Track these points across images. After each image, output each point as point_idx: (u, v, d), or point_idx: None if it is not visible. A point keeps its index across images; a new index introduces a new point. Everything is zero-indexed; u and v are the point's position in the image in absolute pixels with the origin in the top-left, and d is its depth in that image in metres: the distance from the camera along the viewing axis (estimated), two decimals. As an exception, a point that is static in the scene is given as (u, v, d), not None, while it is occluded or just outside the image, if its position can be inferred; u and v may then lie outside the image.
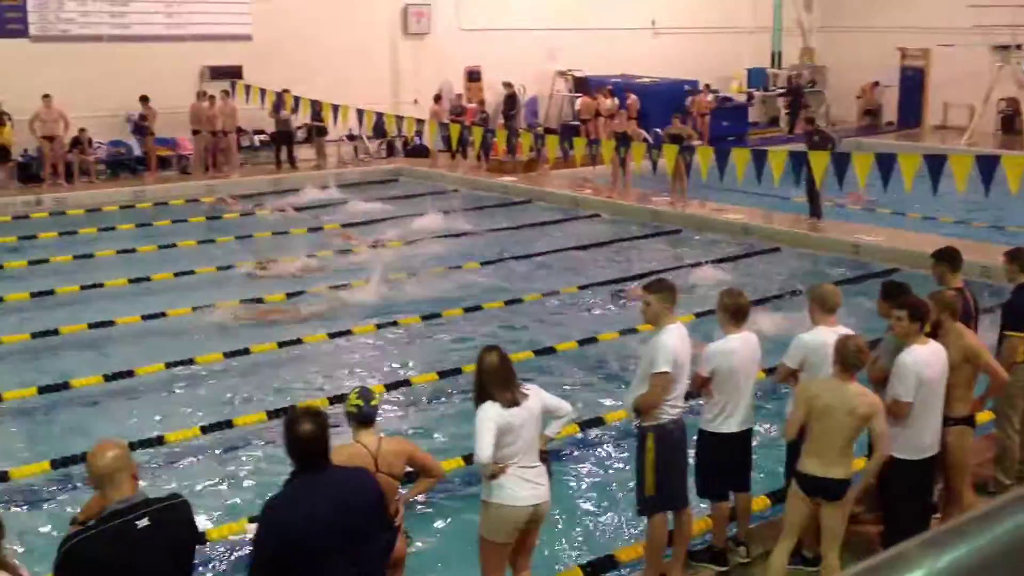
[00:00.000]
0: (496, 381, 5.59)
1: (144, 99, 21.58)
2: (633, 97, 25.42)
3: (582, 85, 27.54)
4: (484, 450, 5.45)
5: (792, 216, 18.37)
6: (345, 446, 5.34)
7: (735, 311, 6.56)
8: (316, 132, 23.85)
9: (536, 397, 5.72)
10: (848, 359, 5.90)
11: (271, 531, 4.41)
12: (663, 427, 6.25)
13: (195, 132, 22.36)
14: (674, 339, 6.20)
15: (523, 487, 5.58)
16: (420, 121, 22.15)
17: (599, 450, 9.05)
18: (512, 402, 5.57)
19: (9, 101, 20.14)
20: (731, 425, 6.51)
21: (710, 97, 25.06)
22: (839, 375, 5.94)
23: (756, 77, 31.93)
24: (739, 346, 6.47)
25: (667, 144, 18.48)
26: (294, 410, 4.78)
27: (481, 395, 5.62)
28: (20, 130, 20.41)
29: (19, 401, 10.00)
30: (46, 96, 20.23)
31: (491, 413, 5.52)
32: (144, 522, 4.20)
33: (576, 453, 8.99)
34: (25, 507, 8.08)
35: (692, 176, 19.00)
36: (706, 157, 17.17)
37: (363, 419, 5.42)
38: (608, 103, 25.12)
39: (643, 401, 6.24)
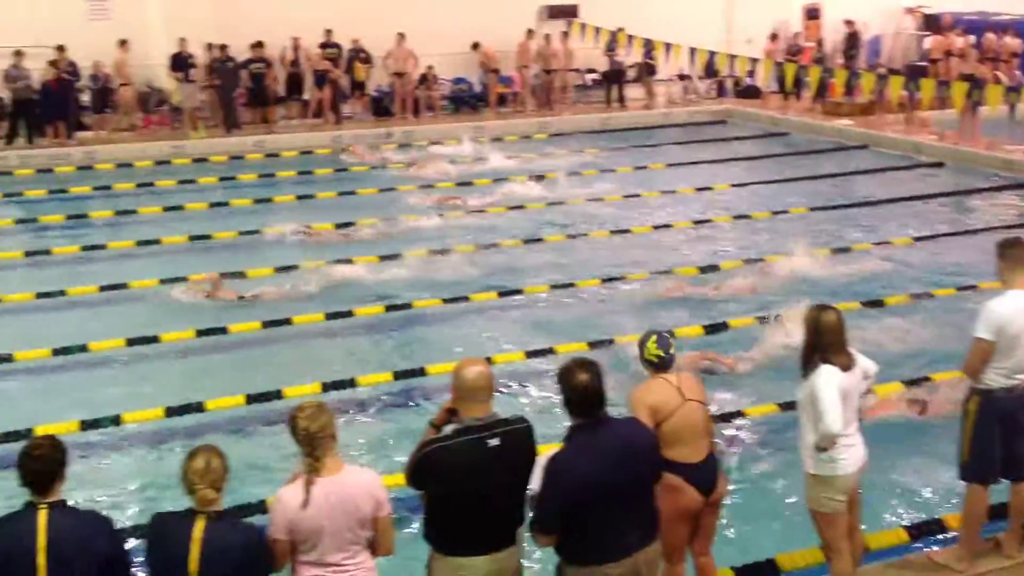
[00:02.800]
0: (836, 342, 5.28)
1: (475, 46, 22.58)
2: (990, 35, 23.34)
3: (932, 22, 25.61)
4: (837, 422, 5.14)
5: None
6: (650, 383, 5.33)
7: None
8: (646, 71, 23.90)
9: (859, 359, 5.46)
10: None
11: (556, 487, 4.48)
12: (990, 393, 5.83)
13: (524, 68, 23.04)
14: (1008, 305, 5.73)
15: (850, 452, 5.38)
16: (754, 60, 21.62)
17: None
18: (847, 366, 5.31)
19: (366, 40, 21.70)
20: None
21: (961, 41, 22.43)
22: None
23: None
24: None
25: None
26: (568, 362, 4.66)
27: (813, 357, 5.31)
28: (375, 67, 22.00)
29: (368, 318, 10.92)
30: (399, 35, 21.64)
31: (834, 380, 5.22)
32: (495, 441, 4.50)
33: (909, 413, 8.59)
34: (371, 411, 8.86)
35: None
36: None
37: (661, 367, 5.36)
38: (961, 42, 23.22)
39: (964, 366, 5.93)
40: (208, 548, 4.10)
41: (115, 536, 4.35)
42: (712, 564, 5.66)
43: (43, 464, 4.19)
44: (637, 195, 16.15)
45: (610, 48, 23.05)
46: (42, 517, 4.13)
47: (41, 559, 4.07)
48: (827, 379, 5.24)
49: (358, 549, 4.43)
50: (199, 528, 4.12)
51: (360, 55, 21.87)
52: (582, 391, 4.51)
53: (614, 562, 4.56)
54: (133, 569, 4.36)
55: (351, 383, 9.05)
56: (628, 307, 11.32)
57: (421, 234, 13.97)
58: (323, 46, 21.43)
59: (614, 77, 23.65)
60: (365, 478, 4.46)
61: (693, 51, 21.90)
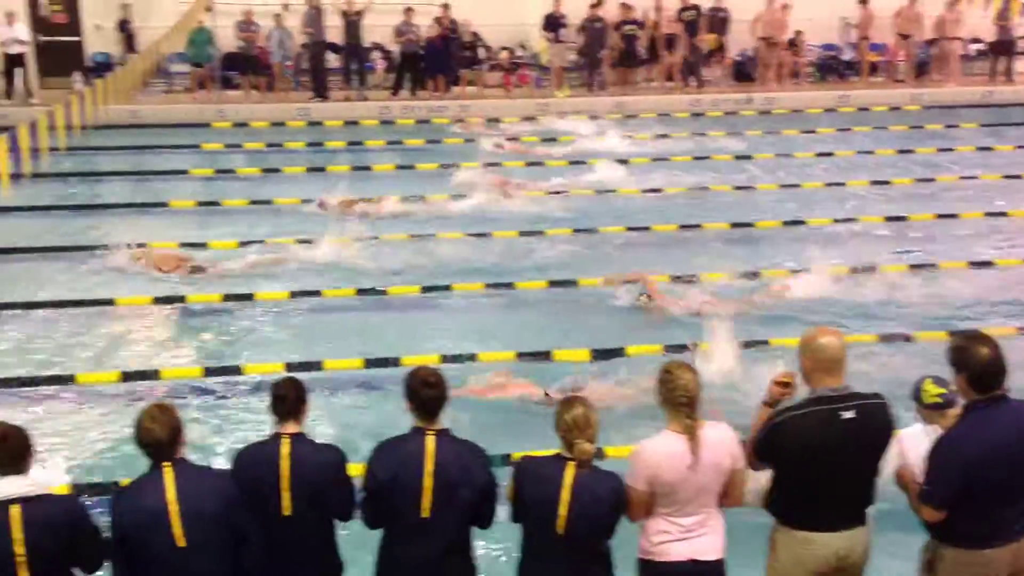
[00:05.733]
0: None
1: (863, 1, 21.47)
2: None
3: None
4: None
5: None
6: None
7: None
8: (1040, 43, 21.79)
9: None
10: None
11: (952, 461, 4.33)
12: None
13: (904, 37, 21.71)
14: None
15: None
16: None
17: None
18: None
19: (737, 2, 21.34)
20: None
21: None
22: None
23: None
24: None
25: None
26: (963, 339, 4.48)
27: None
28: (742, 30, 21.58)
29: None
30: (771, -1, 21.11)
31: None
32: (849, 414, 4.37)
33: None
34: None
35: None
36: None
37: (948, 406, 4.89)
38: None
39: None
40: (578, 495, 4.27)
41: (490, 467, 4.56)
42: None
43: (438, 392, 4.46)
44: (1017, 176, 14.89)
45: (1001, 16, 21.16)
46: (430, 443, 4.40)
47: (428, 481, 4.35)
48: None
49: (713, 509, 4.50)
50: (569, 475, 4.30)
51: (715, 18, 21.47)
52: (986, 365, 4.34)
53: (1000, 546, 4.39)
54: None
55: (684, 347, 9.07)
56: (993, 292, 10.55)
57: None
58: (682, 9, 21.28)
59: (1002, 48, 21.71)
60: (724, 434, 4.48)
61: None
